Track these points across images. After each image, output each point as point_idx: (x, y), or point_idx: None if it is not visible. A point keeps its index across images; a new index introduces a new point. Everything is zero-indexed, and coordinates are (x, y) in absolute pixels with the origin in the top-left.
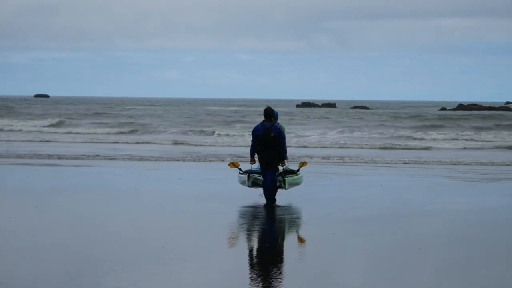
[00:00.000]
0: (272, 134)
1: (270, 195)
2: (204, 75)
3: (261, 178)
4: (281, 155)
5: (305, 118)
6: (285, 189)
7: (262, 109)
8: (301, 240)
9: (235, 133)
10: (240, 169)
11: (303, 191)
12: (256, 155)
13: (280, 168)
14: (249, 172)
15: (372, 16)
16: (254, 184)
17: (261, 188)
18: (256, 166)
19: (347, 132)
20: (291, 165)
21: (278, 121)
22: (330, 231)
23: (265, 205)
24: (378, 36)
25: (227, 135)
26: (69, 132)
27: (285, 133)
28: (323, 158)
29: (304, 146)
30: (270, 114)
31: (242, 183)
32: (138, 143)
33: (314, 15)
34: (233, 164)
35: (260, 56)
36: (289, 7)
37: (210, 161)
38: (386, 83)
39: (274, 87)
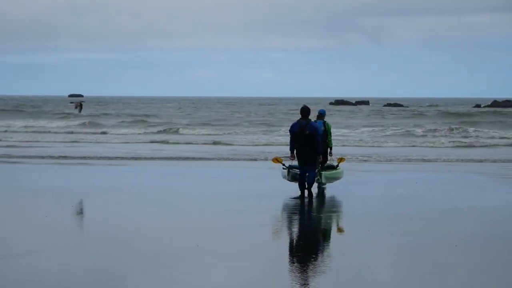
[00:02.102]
0: (307, 132)
1: (305, 188)
2: (236, 74)
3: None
4: (317, 151)
5: (341, 115)
6: (323, 183)
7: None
8: (335, 238)
9: None
10: (283, 164)
11: (339, 188)
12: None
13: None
14: (289, 168)
15: (404, 13)
16: (293, 178)
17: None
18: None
19: (378, 129)
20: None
21: (325, 118)
22: (365, 228)
23: (299, 197)
24: (410, 33)
25: None
26: (122, 134)
27: (331, 130)
28: (359, 155)
29: (344, 145)
30: (306, 112)
31: (284, 177)
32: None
33: (345, 13)
34: (277, 160)
35: (292, 54)
36: (320, 4)
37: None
38: (419, 80)
39: (307, 85)
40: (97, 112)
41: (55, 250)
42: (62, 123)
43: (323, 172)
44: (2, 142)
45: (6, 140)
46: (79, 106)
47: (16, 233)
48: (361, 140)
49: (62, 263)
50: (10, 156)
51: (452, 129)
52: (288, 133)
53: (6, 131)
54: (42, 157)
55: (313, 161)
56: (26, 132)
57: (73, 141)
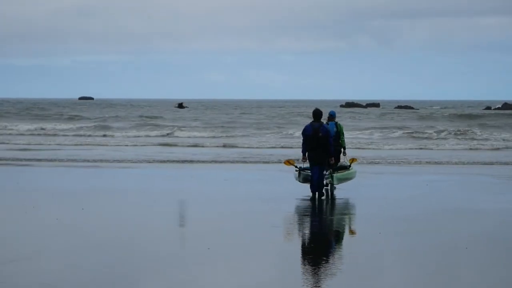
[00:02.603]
0: (320, 134)
1: (316, 190)
2: (246, 76)
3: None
4: (330, 153)
5: (351, 118)
6: (335, 184)
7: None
8: (346, 240)
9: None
10: (295, 166)
11: (350, 190)
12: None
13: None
14: (300, 169)
15: (414, 15)
16: (305, 180)
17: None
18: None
19: (388, 131)
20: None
21: (336, 119)
22: (376, 230)
23: (311, 199)
24: (420, 35)
25: None
26: (138, 136)
27: (343, 130)
28: (369, 157)
29: (354, 148)
30: (319, 115)
31: (296, 179)
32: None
33: (355, 15)
34: (289, 162)
35: (302, 57)
36: (330, 7)
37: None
38: (429, 82)
39: (317, 87)
40: (106, 115)
41: (66, 252)
42: (71, 125)
43: (335, 174)
44: (13, 145)
45: (16, 143)
46: (181, 106)
47: (27, 235)
48: (371, 142)
49: (73, 265)
50: (20, 159)
51: (462, 132)
52: (301, 136)
53: (16, 134)
54: (52, 160)
55: (325, 162)
56: (37, 135)
57: (82, 144)
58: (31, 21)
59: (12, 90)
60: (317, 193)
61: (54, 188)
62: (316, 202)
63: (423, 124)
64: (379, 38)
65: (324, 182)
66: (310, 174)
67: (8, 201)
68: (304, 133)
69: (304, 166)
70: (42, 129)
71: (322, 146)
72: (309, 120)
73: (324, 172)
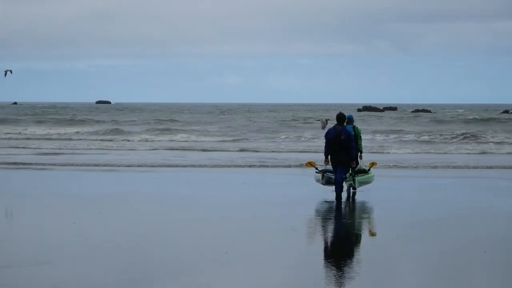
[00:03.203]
0: (343, 137)
1: (340, 191)
2: (264, 80)
3: (333, 176)
4: (351, 156)
5: (368, 121)
6: (356, 187)
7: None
8: (365, 244)
9: None
10: (316, 169)
11: (368, 193)
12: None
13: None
14: (323, 172)
15: (431, 19)
16: (327, 182)
17: (333, 186)
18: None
19: (404, 135)
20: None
21: (354, 123)
22: (394, 234)
23: (336, 199)
24: (437, 39)
25: None
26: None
27: (361, 134)
28: (387, 161)
29: (373, 153)
30: (341, 118)
31: (318, 181)
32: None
33: (372, 18)
34: (310, 164)
35: (320, 60)
36: (347, 10)
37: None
38: (447, 86)
39: (334, 91)
40: (124, 119)
41: (83, 256)
42: (89, 128)
43: (356, 178)
44: (31, 150)
45: (35, 147)
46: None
47: (44, 239)
48: (388, 146)
49: (91, 269)
50: (38, 163)
51: (480, 135)
52: (323, 139)
53: (35, 138)
54: (70, 164)
55: (346, 165)
56: (56, 139)
57: (99, 148)
58: (49, 26)
59: (30, 94)
60: (341, 193)
61: (72, 192)
62: (339, 203)
63: (439, 128)
64: (397, 42)
65: (345, 185)
66: (333, 176)
67: (26, 205)
68: (327, 136)
69: (326, 169)
70: (59, 133)
71: (344, 149)
72: (332, 124)
73: (346, 175)
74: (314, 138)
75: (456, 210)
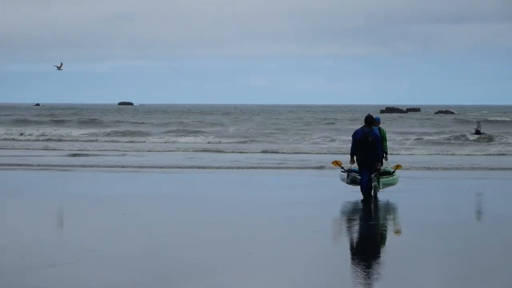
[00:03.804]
0: (370, 139)
1: (366, 192)
2: (287, 82)
3: (359, 177)
4: (377, 157)
5: (391, 122)
6: (380, 188)
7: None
8: (388, 245)
9: None
10: (342, 168)
11: (392, 195)
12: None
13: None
14: (349, 171)
15: (454, 20)
16: (352, 182)
17: (358, 186)
18: (355, 166)
19: (427, 136)
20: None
21: (380, 125)
22: (417, 235)
23: (362, 200)
24: (459, 40)
25: None
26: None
27: (386, 136)
28: (410, 162)
29: (392, 153)
30: (370, 121)
31: (343, 180)
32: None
33: (395, 20)
34: (336, 163)
35: (343, 62)
36: (370, 11)
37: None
38: (470, 87)
39: (357, 92)
40: (146, 120)
41: (107, 256)
42: (113, 129)
43: (381, 180)
44: (60, 151)
45: (63, 148)
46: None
47: (68, 240)
48: (411, 147)
49: (114, 270)
50: (63, 165)
51: (505, 136)
52: (350, 139)
53: (61, 140)
54: (95, 166)
55: (372, 166)
56: (76, 140)
57: (122, 150)
58: (72, 28)
59: (52, 95)
60: (369, 194)
61: (94, 193)
62: (366, 204)
63: (462, 129)
64: (419, 43)
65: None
66: (358, 176)
67: (51, 206)
68: (354, 136)
69: (352, 169)
70: (80, 134)
71: (371, 151)
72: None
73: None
74: (335, 140)
75: (480, 211)
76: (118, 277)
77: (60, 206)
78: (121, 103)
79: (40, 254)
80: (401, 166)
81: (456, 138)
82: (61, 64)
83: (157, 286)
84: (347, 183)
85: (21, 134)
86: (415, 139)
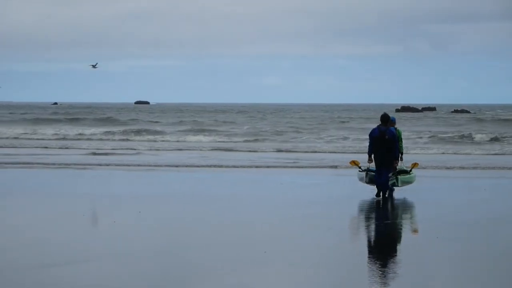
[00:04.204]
0: (387, 137)
1: (383, 190)
2: (301, 81)
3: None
4: (394, 156)
5: (406, 122)
6: (398, 186)
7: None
8: (404, 244)
9: None
10: (360, 167)
11: (408, 194)
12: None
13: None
14: (367, 170)
15: (468, 19)
16: (371, 181)
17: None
18: (373, 165)
19: (444, 135)
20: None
21: (396, 125)
22: (433, 235)
23: (376, 195)
24: (474, 39)
25: None
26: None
27: (402, 136)
28: (425, 161)
29: (408, 153)
30: (386, 119)
31: (361, 179)
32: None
33: (410, 19)
34: (354, 163)
35: (357, 61)
36: (384, 11)
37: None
38: (487, 86)
39: (373, 91)
40: (162, 120)
41: (122, 255)
42: (129, 128)
43: (399, 177)
44: (77, 150)
45: (79, 147)
46: None
47: (85, 238)
48: (427, 147)
49: (129, 268)
50: (79, 164)
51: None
52: (367, 139)
53: (71, 139)
54: (112, 165)
55: (390, 165)
56: (93, 139)
57: (137, 148)
58: (89, 27)
59: (70, 94)
60: (382, 192)
61: (111, 192)
62: (381, 202)
63: (479, 129)
64: (434, 42)
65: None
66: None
67: (67, 204)
68: (371, 135)
69: (370, 168)
70: (96, 133)
71: (388, 149)
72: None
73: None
74: (348, 138)
75: (496, 211)
76: (134, 276)
77: (77, 204)
78: (137, 102)
79: (55, 252)
80: (417, 164)
81: (469, 137)
82: (96, 63)
83: (171, 285)
84: (366, 182)
85: (35, 133)
86: (429, 137)
